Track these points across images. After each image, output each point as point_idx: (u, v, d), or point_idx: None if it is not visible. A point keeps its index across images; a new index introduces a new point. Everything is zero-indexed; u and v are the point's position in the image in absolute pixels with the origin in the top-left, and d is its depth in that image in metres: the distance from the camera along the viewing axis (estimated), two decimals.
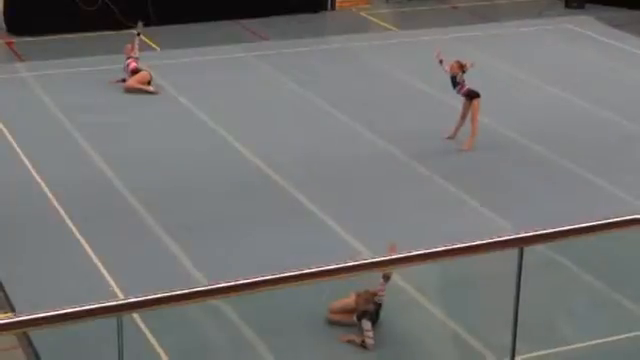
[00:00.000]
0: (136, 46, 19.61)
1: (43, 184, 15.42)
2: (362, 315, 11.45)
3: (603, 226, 6.25)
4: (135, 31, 20.02)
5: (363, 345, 11.31)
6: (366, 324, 11.37)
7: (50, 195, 15.06)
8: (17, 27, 23.20)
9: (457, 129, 17.14)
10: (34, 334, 11.02)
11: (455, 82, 16.93)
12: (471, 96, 16.85)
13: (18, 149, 16.73)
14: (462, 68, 16.89)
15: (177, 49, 22.25)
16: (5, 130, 17.50)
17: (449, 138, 17.16)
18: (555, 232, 6.16)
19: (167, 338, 11.34)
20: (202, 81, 20.32)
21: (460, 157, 16.77)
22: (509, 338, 6.68)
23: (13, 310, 12.01)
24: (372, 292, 11.51)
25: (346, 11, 25.90)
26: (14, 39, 22.85)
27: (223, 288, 5.31)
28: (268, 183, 15.67)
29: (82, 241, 13.69)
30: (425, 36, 23.47)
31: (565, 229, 6.16)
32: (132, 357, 6.08)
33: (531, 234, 6.10)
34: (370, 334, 11.34)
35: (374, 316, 11.50)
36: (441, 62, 17.10)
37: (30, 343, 11.23)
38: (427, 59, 18.72)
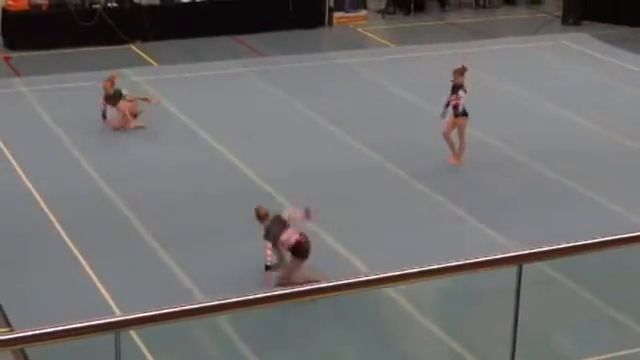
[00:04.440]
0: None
1: (39, 198, 15.39)
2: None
3: (602, 243, 6.23)
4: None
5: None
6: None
7: (47, 209, 15.03)
8: (14, 42, 23.21)
9: (460, 149, 17.01)
10: (30, 350, 10.96)
11: (456, 91, 16.79)
12: (460, 113, 16.74)
13: (15, 163, 16.71)
14: (463, 73, 16.80)
15: (174, 64, 22.26)
16: (2, 144, 17.49)
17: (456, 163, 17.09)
18: (554, 249, 6.14)
19: (163, 352, 11.31)
20: (199, 96, 20.33)
21: (457, 173, 16.77)
22: (507, 354, 6.66)
23: (9, 325, 11.97)
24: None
25: (343, 27, 25.95)
26: (11, 54, 22.85)
27: (220, 305, 5.29)
28: (264, 197, 15.64)
29: (78, 255, 13.67)
30: (422, 52, 23.50)
31: (564, 246, 6.14)
32: None
33: (530, 251, 6.09)
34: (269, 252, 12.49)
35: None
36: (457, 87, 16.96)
37: (26, 359, 11.18)
38: (424, 75, 18.74)
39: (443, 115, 16.92)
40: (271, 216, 12.79)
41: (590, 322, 12.46)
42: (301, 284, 11.72)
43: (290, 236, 12.52)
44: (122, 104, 18.23)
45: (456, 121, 16.80)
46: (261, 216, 12.83)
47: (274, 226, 12.64)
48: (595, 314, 12.51)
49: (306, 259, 12.53)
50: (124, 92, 18.29)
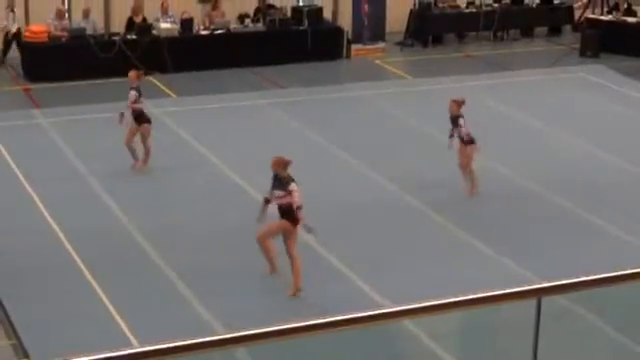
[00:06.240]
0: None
1: (58, 230, 15.43)
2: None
3: (622, 277, 6.21)
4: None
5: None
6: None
7: (65, 241, 15.06)
8: (34, 74, 23.36)
9: (473, 182, 16.99)
10: None
11: (456, 122, 16.77)
12: (468, 141, 16.74)
13: (34, 195, 16.77)
14: (461, 105, 16.78)
15: (193, 96, 22.35)
16: (21, 176, 17.56)
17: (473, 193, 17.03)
18: (574, 282, 6.12)
19: None
20: (217, 128, 20.39)
21: (473, 204, 16.73)
22: None
23: (27, 357, 11.97)
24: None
25: (361, 59, 26.02)
26: (31, 86, 22.99)
27: (239, 337, 5.28)
28: None
29: (96, 287, 13.67)
30: (439, 85, 23.54)
31: (584, 279, 6.11)
32: None
33: (550, 284, 6.06)
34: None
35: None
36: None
37: None
38: (441, 107, 18.72)
39: (450, 147, 16.96)
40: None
41: (611, 357, 12.36)
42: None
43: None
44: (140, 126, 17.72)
45: (467, 150, 16.75)
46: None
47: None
48: (615, 349, 12.41)
49: None
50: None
